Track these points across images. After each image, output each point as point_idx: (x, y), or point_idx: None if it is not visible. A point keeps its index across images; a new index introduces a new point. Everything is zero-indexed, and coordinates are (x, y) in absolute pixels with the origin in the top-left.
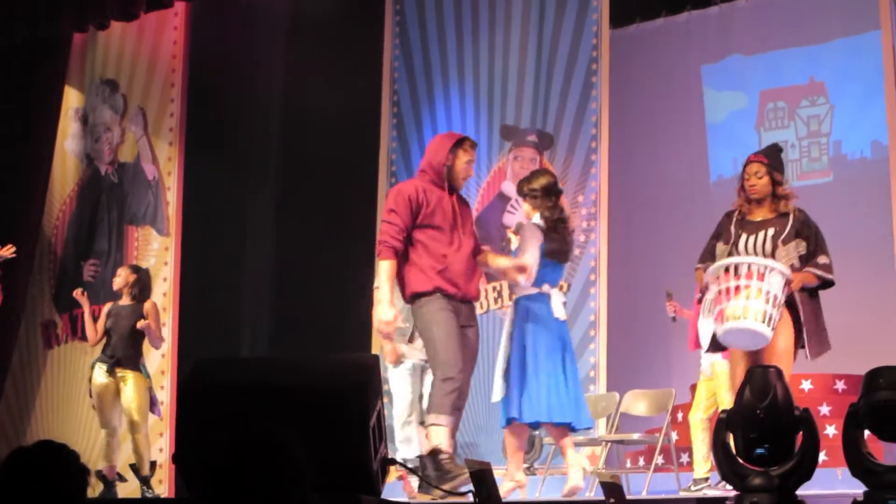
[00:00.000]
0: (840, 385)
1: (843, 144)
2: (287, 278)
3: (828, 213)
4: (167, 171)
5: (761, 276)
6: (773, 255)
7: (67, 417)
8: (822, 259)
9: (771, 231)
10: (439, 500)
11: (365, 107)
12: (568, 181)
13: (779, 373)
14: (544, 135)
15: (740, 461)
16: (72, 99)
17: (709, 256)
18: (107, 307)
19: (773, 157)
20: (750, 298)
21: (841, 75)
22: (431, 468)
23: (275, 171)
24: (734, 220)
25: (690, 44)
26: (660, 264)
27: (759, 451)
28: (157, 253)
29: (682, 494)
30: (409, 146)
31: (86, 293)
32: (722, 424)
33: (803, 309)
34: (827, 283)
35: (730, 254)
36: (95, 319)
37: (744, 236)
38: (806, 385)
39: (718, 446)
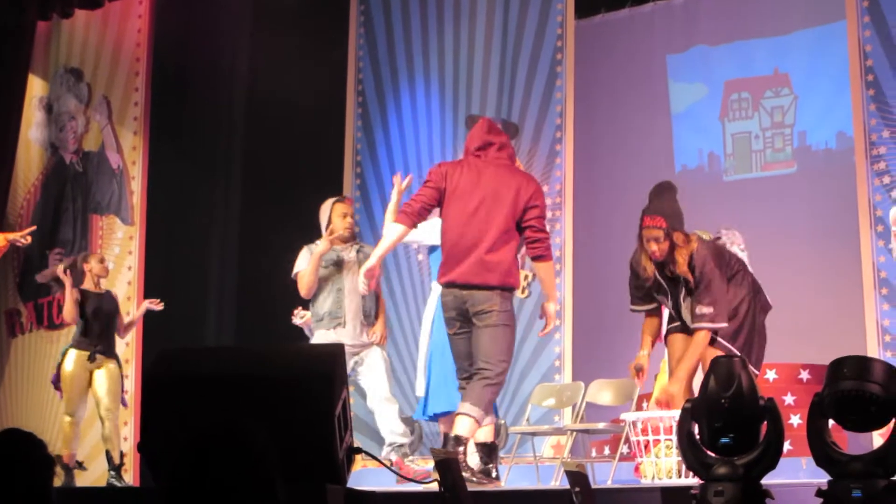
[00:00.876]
0: (805, 375)
1: (807, 135)
2: (252, 268)
3: (792, 203)
4: (131, 160)
5: (669, 430)
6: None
7: (31, 406)
8: (700, 309)
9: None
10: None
11: (330, 96)
12: (533, 171)
13: (743, 362)
14: (509, 124)
15: (705, 450)
16: (36, 88)
17: (646, 300)
18: (76, 293)
19: (667, 213)
20: (660, 456)
21: (805, 66)
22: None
23: (239, 160)
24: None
25: (655, 34)
26: (625, 254)
27: (723, 440)
28: (122, 242)
29: (646, 483)
30: (374, 136)
31: (68, 271)
32: (687, 414)
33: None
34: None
35: (671, 316)
36: None
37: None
38: (771, 375)
39: (683, 435)
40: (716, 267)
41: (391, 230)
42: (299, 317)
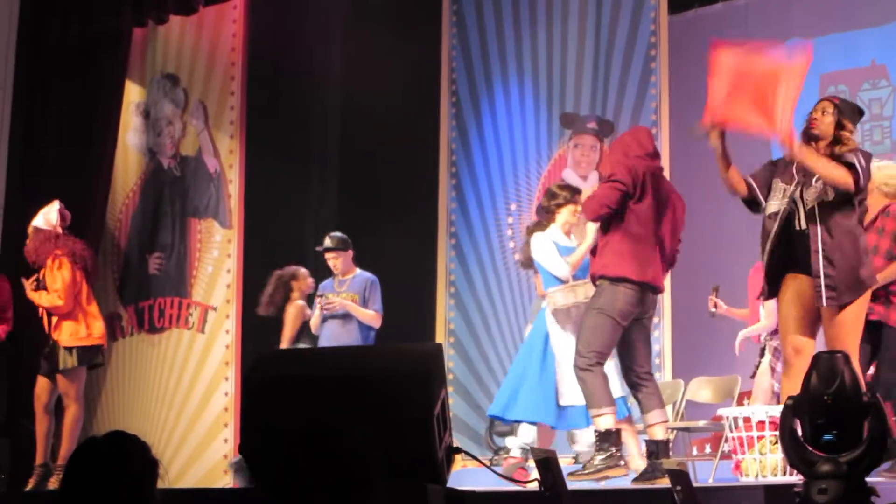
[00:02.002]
0: None
1: None
2: None
3: None
4: (228, 163)
5: (773, 425)
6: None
7: (133, 409)
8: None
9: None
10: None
11: (424, 96)
12: None
13: (846, 358)
14: (604, 122)
15: (808, 448)
16: (133, 94)
17: (761, 180)
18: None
19: (845, 104)
20: (765, 453)
21: None
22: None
23: (334, 162)
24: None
25: (749, 28)
26: (723, 250)
27: (826, 437)
28: (220, 245)
29: (747, 481)
30: (468, 135)
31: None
32: (789, 411)
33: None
34: None
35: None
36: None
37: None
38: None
39: (786, 432)
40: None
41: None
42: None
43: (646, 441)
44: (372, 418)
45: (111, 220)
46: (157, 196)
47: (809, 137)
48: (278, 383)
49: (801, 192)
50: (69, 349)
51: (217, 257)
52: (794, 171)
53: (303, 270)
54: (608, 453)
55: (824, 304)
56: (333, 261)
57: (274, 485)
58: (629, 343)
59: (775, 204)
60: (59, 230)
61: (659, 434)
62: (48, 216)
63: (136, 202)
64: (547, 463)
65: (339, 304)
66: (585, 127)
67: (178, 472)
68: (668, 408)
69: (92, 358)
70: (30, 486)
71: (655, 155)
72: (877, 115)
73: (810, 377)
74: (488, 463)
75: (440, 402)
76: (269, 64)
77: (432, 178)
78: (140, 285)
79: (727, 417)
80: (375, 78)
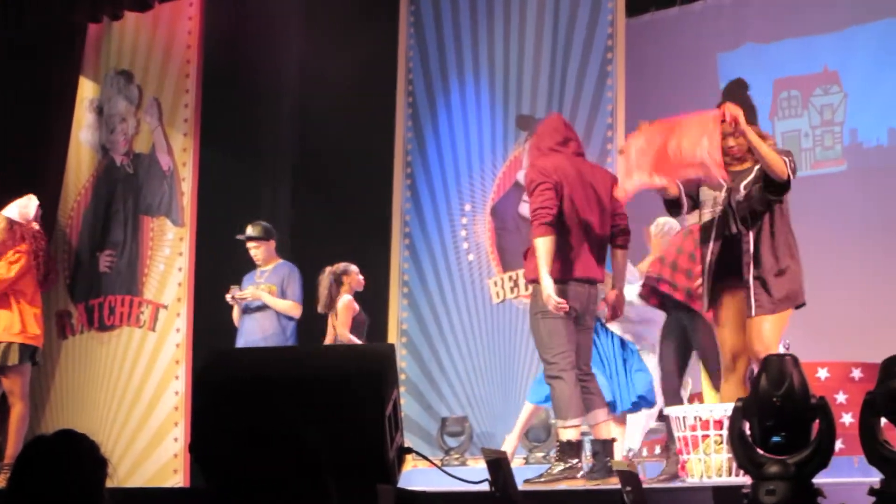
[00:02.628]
0: (857, 373)
1: (858, 133)
2: (302, 269)
3: (842, 201)
4: (182, 161)
5: (718, 425)
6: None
7: (83, 408)
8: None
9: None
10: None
11: (380, 95)
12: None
13: (795, 360)
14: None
15: (757, 449)
16: (86, 90)
17: (690, 186)
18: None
19: (740, 112)
20: (710, 453)
21: (855, 63)
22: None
23: (289, 160)
24: None
25: (705, 32)
26: None
27: (775, 438)
28: (172, 243)
29: (695, 482)
30: (423, 135)
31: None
32: (738, 412)
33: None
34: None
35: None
36: None
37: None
38: (822, 373)
39: (735, 434)
40: None
41: (546, 245)
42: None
43: (591, 441)
44: (323, 418)
45: (62, 216)
46: (110, 193)
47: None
48: (229, 383)
49: (731, 197)
50: (8, 345)
51: (169, 255)
52: (721, 180)
53: (353, 267)
54: (568, 465)
55: (753, 314)
56: (255, 250)
57: (224, 484)
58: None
59: (707, 213)
60: (34, 226)
61: (604, 433)
62: (25, 210)
63: (87, 199)
64: (497, 464)
65: (252, 296)
66: None
67: (127, 471)
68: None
69: (33, 355)
70: None
71: (569, 139)
72: (828, 121)
73: (759, 379)
74: (439, 463)
75: (392, 403)
76: (224, 62)
77: (387, 178)
78: (91, 283)
79: (674, 417)
80: (331, 76)
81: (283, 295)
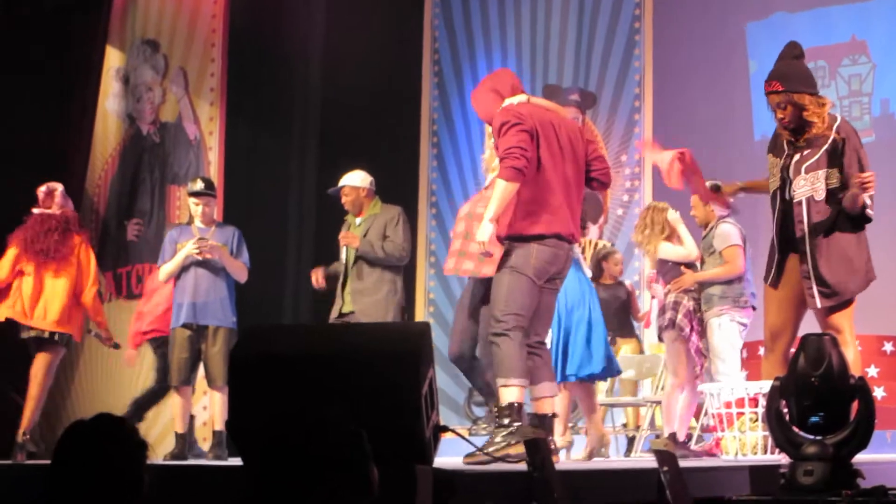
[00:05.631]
0: (888, 347)
1: (890, 103)
2: (329, 239)
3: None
4: (208, 130)
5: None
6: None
7: (109, 375)
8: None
9: (805, 154)
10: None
11: (406, 65)
12: (611, 140)
13: (833, 340)
14: (587, 94)
15: (794, 429)
16: (113, 59)
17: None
18: None
19: (788, 79)
20: (745, 430)
21: (883, 33)
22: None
23: (315, 130)
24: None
25: (734, 1)
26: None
27: (813, 419)
28: None
29: (730, 460)
30: (450, 107)
31: None
32: (776, 392)
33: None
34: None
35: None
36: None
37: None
38: None
39: (772, 413)
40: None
41: (507, 190)
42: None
43: (530, 415)
44: (359, 396)
45: (90, 186)
46: (137, 162)
47: (793, 134)
48: (266, 360)
49: (789, 163)
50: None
51: None
52: (784, 143)
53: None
54: (508, 429)
55: (818, 305)
56: (204, 207)
57: (260, 463)
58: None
59: (774, 182)
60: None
61: (547, 408)
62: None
63: (114, 168)
64: (535, 444)
65: (217, 251)
66: (567, 99)
67: (155, 439)
68: (647, 381)
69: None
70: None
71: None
72: (856, 92)
73: (798, 359)
74: (467, 435)
75: (428, 381)
76: (250, 31)
77: (413, 147)
78: (118, 252)
79: (708, 393)
80: (358, 45)
81: (233, 256)
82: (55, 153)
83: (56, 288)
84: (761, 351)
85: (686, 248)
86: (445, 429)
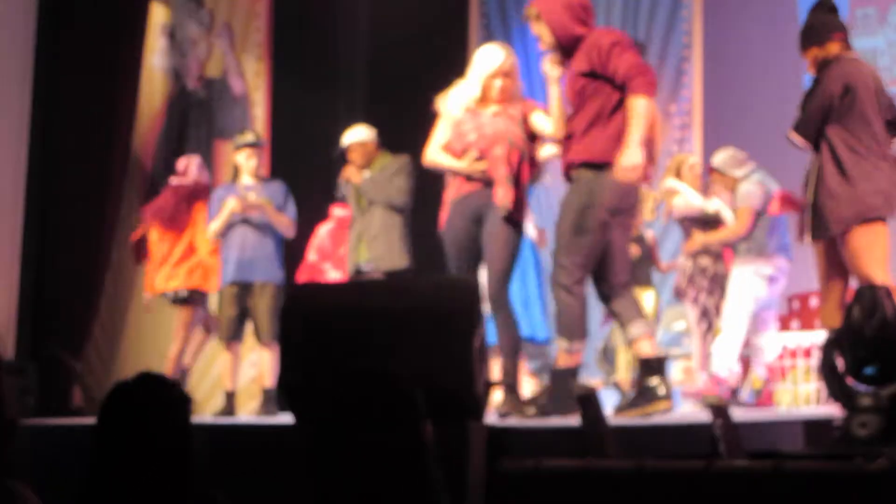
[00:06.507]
0: None
1: None
2: None
3: None
4: (255, 86)
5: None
6: None
7: (157, 332)
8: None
9: None
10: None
11: (454, 22)
12: (660, 90)
13: (888, 291)
14: (636, 44)
15: (849, 381)
16: (158, 14)
17: None
18: None
19: (806, 35)
20: (797, 382)
21: None
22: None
23: (362, 84)
24: None
25: None
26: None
27: (868, 370)
28: None
29: (784, 413)
30: None
31: None
32: (830, 344)
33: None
34: None
35: None
36: None
37: None
38: None
39: (827, 365)
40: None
41: (648, 108)
42: None
43: (640, 360)
44: (411, 353)
45: (136, 142)
46: (183, 118)
47: None
48: (317, 316)
49: None
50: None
51: None
52: None
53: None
54: (652, 386)
55: (812, 237)
56: (254, 159)
57: (315, 421)
58: (605, 247)
59: None
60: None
61: (646, 349)
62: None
63: (161, 124)
64: (587, 400)
65: (260, 208)
66: None
67: (204, 396)
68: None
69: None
70: None
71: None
72: None
73: (852, 310)
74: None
75: (479, 337)
76: None
77: None
78: None
79: (762, 346)
80: (405, 1)
81: (280, 211)
82: (102, 111)
83: (181, 251)
84: (813, 301)
85: (695, 202)
86: (496, 384)
